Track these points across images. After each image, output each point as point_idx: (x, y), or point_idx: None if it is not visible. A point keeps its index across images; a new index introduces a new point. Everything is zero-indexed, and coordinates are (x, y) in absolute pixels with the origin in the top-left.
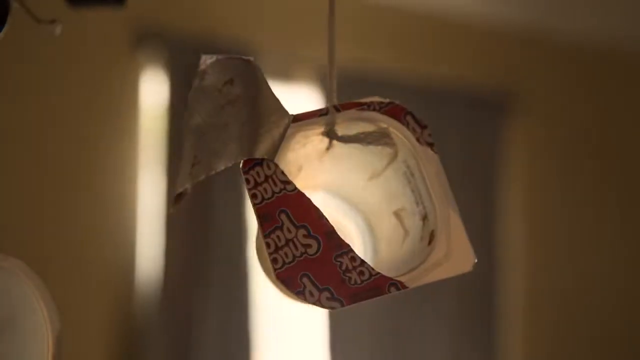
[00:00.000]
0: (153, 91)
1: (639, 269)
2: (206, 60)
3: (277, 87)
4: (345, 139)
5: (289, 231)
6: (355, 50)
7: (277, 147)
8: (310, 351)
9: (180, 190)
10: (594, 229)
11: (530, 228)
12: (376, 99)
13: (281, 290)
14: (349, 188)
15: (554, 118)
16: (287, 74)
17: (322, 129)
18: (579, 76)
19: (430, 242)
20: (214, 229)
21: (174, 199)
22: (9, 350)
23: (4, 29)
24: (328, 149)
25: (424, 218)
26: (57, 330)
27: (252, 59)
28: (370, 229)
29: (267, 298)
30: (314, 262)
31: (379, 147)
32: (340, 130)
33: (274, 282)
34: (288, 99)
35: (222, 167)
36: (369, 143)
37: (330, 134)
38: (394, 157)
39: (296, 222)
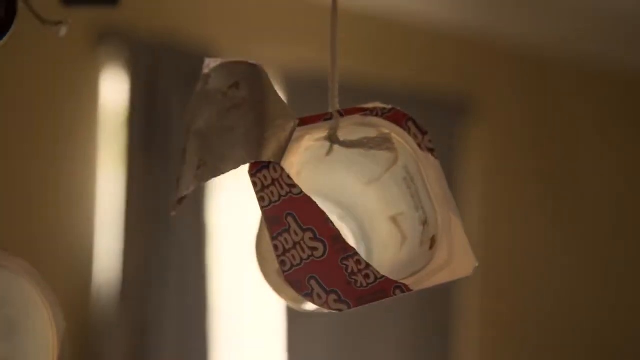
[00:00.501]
0: (113, 90)
1: (591, 275)
2: (210, 63)
3: None
4: (347, 144)
5: (296, 234)
6: (313, 53)
7: (283, 150)
8: (268, 354)
9: (185, 193)
10: (549, 233)
11: (487, 231)
12: (378, 104)
13: (279, 292)
14: (345, 192)
15: (509, 121)
16: None
17: (325, 134)
18: (531, 80)
19: (431, 247)
20: (173, 231)
21: (177, 201)
22: (14, 350)
23: (11, 30)
24: (328, 153)
25: (424, 223)
26: (62, 329)
27: (258, 63)
28: (365, 233)
29: (224, 301)
30: (320, 264)
31: (380, 153)
32: (343, 135)
33: (272, 285)
34: None
35: (229, 170)
36: (371, 148)
37: (332, 139)
38: (393, 163)
39: (303, 225)
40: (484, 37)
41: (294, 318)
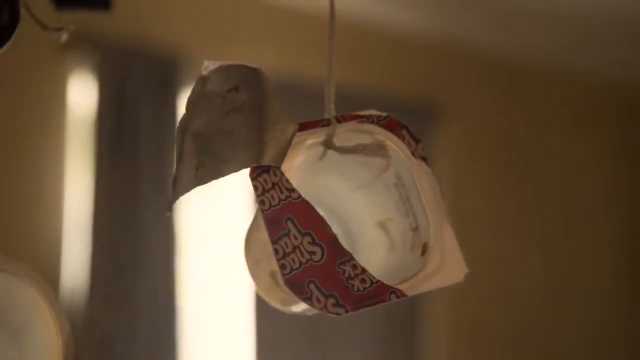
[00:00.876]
0: (81, 94)
1: (559, 275)
2: (208, 66)
3: None
4: (343, 150)
5: (296, 238)
6: (281, 57)
7: (283, 154)
8: (237, 357)
9: (184, 194)
10: (517, 235)
11: (455, 234)
12: (374, 112)
13: (268, 295)
14: (332, 197)
15: (477, 126)
16: None
17: (321, 139)
18: (497, 85)
19: (423, 253)
20: (142, 236)
21: (173, 202)
22: (23, 353)
23: (14, 35)
24: (321, 158)
25: (415, 229)
26: (66, 332)
27: (258, 66)
28: (351, 236)
29: (194, 305)
30: (319, 269)
31: (372, 159)
32: (338, 141)
33: (261, 287)
34: None
35: (231, 173)
36: (366, 155)
37: (328, 145)
38: (385, 169)
39: (301, 230)
40: (451, 44)
41: (263, 320)
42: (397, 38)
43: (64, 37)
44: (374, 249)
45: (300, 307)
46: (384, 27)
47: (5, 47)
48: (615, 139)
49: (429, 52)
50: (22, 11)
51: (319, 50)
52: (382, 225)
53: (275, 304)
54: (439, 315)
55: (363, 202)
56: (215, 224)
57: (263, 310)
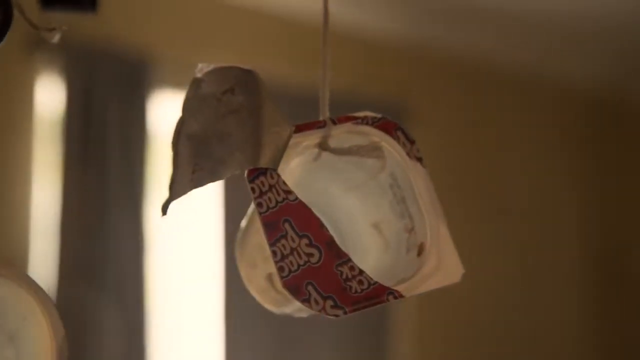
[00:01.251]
0: (49, 97)
1: (530, 282)
2: (202, 68)
3: (173, 96)
4: (338, 151)
5: (293, 240)
6: (248, 62)
7: (280, 156)
8: (206, 355)
9: (180, 196)
10: (483, 238)
11: None
12: (369, 113)
13: (262, 296)
14: (327, 198)
15: (444, 128)
16: (185, 82)
17: (317, 141)
18: (463, 88)
19: (420, 254)
20: (110, 238)
21: (168, 205)
22: (18, 357)
23: (6, 36)
24: (315, 159)
25: (410, 230)
26: (61, 336)
27: (252, 68)
28: (345, 239)
29: (163, 306)
30: (317, 270)
31: (367, 160)
32: (334, 143)
33: (255, 288)
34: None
35: (228, 175)
36: (361, 156)
37: (323, 146)
38: (379, 170)
39: (299, 231)
40: (418, 48)
41: (232, 320)
42: (366, 41)
43: (57, 37)
44: (368, 250)
45: (294, 309)
46: (353, 30)
47: (0, 44)
48: (582, 141)
49: (398, 55)
50: (15, 12)
51: (287, 53)
52: (377, 227)
53: (268, 306)
54: (409, 313)
55: (357, 203)
56: (184, 224)
57: (233, 309)
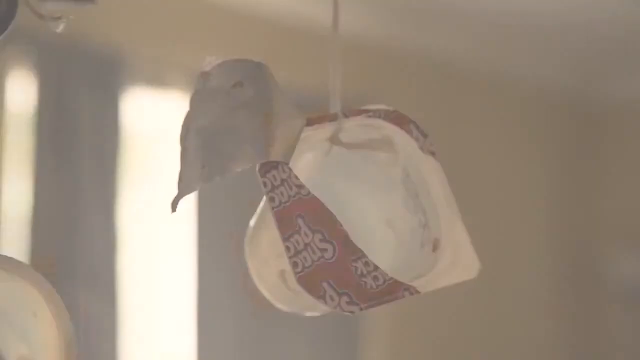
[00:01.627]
0: (20, 91)
1: (501, 287)
2: (210, 62)
3: (148, 93)
4: (349, 145)
5: (306, 235)
6: (223, 57)
7: (292, 150)
8: (178, 349)
9: (190, 192)
10: None
11: None
12: (382, 106)
13: (272, 294)
14: (339, 193)
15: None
16: (158, 79)
17: (328, 135)
18: (436, 87)
19: (434, 249)
20: (82, 233)
21: (178, 201)
22: (30, 353)
23: (12, 25)
24: (327, 154)
25: (424, 226)
26: (69, 333)
27: (261, 61)
28: (357, 235)
29: (135, 303)
30: (331, 266)
31: (379, 155)
32: (346, 137)
33: (265, 286)
34: (159, 105)
35: (238, 169)
36: (373, 150)
37: (334, 140)
38: (392, 165)
39: (312, 227)
40: (386, 47)
41: (207, 315)
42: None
43: (61, 27)
44: (381, 246)
45: (305, 306)
46: (320, 28)
47: (2, 37)
48: (550, 141)
49: (365, 54)
50: (20, 0)
51: (262, 51)
52: (390, 222)
53: (279, 304)
54: (380, 321)
55: (370, 198)
56: (156, 218)
57: (206, 305)
